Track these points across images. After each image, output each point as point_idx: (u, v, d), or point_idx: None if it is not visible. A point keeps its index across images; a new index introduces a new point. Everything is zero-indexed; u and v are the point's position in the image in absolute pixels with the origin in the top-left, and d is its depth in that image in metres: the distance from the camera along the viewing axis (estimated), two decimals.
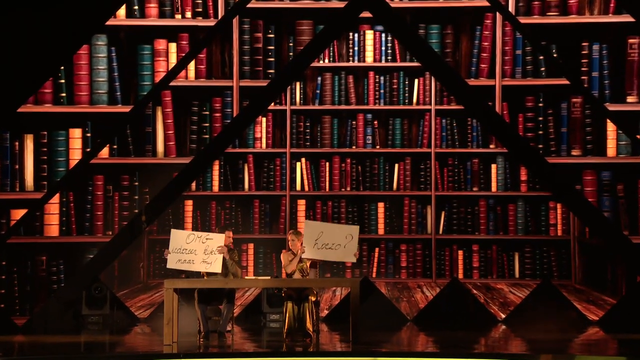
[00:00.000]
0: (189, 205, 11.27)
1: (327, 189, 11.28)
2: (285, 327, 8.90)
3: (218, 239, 8.80)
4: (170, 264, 8.79)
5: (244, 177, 11.32)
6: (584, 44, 11.01)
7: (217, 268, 8.79)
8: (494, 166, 11.25)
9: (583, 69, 10.98)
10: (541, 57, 11.05)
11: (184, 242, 8.70)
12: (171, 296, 8.72)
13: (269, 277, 9.29)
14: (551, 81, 11.03)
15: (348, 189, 11.31)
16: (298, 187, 11.30)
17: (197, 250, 8.69)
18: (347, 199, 11.32)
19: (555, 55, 10.99)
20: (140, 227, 10.65)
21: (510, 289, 11.03)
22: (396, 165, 11.32)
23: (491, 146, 11.22)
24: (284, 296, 9.02)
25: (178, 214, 11.25)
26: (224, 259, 8.88)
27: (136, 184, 11.05)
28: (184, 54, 11.01)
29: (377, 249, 11.29)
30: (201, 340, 8.92)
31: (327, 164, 11.33)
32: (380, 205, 11.31)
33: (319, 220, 11.22)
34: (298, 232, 9.15)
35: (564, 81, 10.94)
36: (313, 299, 9.02)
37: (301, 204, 11.30)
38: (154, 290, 11.08)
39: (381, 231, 11.27)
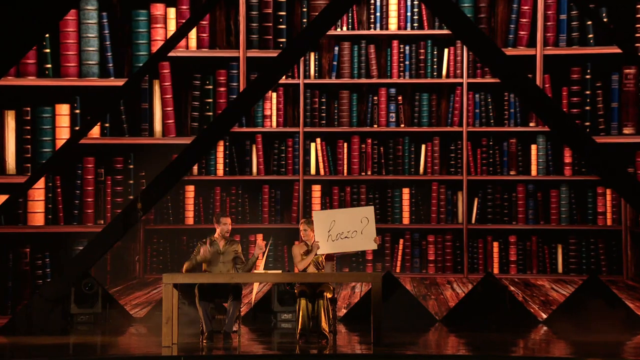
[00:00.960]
0: (190, 191, 11.27)
1: (345, 173, 11.28)
2: (299, 327, 8.85)
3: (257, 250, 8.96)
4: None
5: (252, 159, 11.30)
6: (639, 6, 10.87)
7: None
8: (534, 147, 11.20)
9: (637, 35, 10.84)
10: (589, 23, 10.93)
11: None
12: (170, 292, 8.68)
13: (280, 272, 9.21)
14: (600, 50, 10.92)
15: (369, 172, 11.29)
16: (312, 170, 11.29)
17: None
18: (367, 184, 11.30)
19: (605, 20, 10.84)
20: (135, 215, 10.58)
21: (553, 286, 11.00)
22: (423, 146, 11.29)
23: (531, 124, 11.18)
24: (297, 293, 8.96)
25: (178, 200, 11.25)
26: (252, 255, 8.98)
27: (131, 167, 11.05)
28: (184, 21, 10.93)
29: (401, 241, 11.27)
30: (204, 341, 8.87)
31: (345, 144, 11.31)
32: (405, 191, 11.29)
33: (337, 208, 11.18)
34: (311, 221, 9.05)
35: (615, 49, 10.80)
36: (329, 295, 8.96)
37: (316, 190, 11.29)
38: (151, 287, 11.09)
39: (406, 220, 11.26)
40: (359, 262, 11.24)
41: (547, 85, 11.01)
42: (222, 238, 8.99)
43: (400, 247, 11.26)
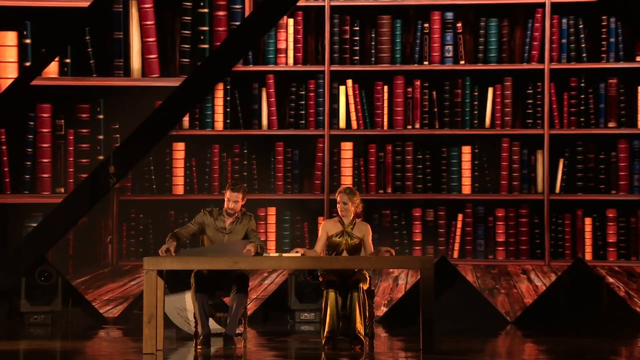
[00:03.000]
0: (179, 150, 11.31)
1: (385, 126, 11.31)
2: (325, 328, 8.84)
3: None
4: None
5: (262, 108, 11.35)
6: None
7: None
8: None
9: None
10: None
11: None
12: (154, 283, 8.65)
13: (300, 254, 9.08)
14: None
15: (417, 125, 11.32)
16: (342, 123, 11.34)
17: None
18: (415, 141, 11.35)
19: None
20: (106, 182, 10.71)
21: None
22: (490, 90, 11.31)
23: (638, 59, 11.18)
24: (322, 283, 8.95)
25: (163, 162, 11.30)
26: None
27: (100, 117, 11.08)
28: None
29: (460, 216, 11.30)
30: (198, 347, 8.94)
31: (386, 88, 11.35)
32: (466, 150, 11.32)
33: (374, 172, 11.14)
34: (353, 191, 9.06)
35: None
36: (365, 287, 8.96)
37: (346, 149, 11.32)
38: (128, 277, 11.16)
39: (467, 189, 11.29)
40: (403, 245, 11.27)
41: None
42: (228, 215, 8.88)
43: (459, 224, 11.27)
